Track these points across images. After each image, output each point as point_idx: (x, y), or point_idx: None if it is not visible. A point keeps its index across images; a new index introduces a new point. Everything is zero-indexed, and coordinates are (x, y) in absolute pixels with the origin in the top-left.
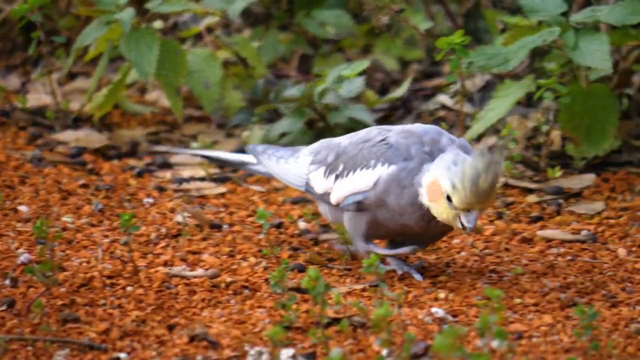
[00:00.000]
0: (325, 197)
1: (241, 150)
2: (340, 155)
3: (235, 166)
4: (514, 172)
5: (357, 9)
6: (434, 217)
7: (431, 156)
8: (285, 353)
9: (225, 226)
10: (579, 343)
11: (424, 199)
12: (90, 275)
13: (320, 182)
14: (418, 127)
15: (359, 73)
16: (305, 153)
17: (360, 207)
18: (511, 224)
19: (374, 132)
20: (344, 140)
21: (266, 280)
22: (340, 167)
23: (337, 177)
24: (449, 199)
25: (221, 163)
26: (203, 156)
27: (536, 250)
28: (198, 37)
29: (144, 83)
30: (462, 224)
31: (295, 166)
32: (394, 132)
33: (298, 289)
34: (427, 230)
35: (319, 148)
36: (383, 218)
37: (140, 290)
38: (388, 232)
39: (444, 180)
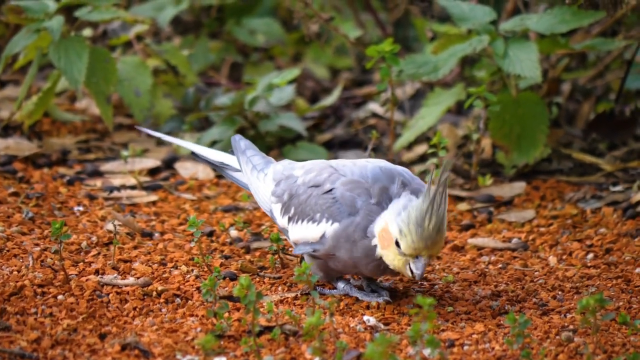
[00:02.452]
0: (285, 232)
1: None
2: (292, 197)
3: (217, 168)
4: None
5: (287, 17)
6: (388, 266)
7: (379, 206)
8: None
9: (156, 234)
10: (511, 351)
11: (378, 247)
12: (21, 284)
13: (278, 218)
14: (370, 171)
15: (289, 81)
16: (270, 177)
17: (313, 255)
18: None
19: (324, 174)
20: (300, 173)
21: (198, 288)
22: (292, 211)
23: (289, 219)
24: (397, 244)
25: (206, 162)
26: (194, 153)
27: (467, 258)
28: (128, 45)
29: (73, 91)
30: (411, 271)
31: (264, 187)
32: (341, 182)
33: (230, 298)
34: (382, 274)
35: (280, 177)
36: (334, 266)
37: (71, 299)
38: (342, 273)
39: (393, 226)
